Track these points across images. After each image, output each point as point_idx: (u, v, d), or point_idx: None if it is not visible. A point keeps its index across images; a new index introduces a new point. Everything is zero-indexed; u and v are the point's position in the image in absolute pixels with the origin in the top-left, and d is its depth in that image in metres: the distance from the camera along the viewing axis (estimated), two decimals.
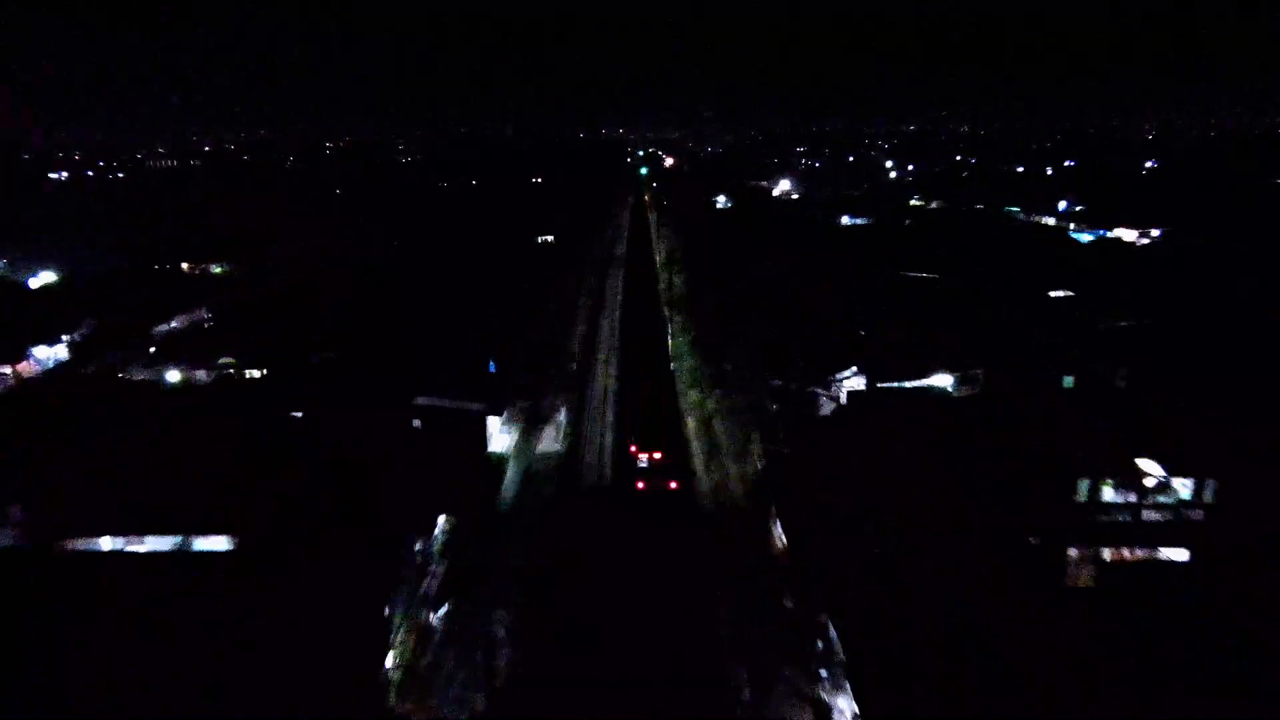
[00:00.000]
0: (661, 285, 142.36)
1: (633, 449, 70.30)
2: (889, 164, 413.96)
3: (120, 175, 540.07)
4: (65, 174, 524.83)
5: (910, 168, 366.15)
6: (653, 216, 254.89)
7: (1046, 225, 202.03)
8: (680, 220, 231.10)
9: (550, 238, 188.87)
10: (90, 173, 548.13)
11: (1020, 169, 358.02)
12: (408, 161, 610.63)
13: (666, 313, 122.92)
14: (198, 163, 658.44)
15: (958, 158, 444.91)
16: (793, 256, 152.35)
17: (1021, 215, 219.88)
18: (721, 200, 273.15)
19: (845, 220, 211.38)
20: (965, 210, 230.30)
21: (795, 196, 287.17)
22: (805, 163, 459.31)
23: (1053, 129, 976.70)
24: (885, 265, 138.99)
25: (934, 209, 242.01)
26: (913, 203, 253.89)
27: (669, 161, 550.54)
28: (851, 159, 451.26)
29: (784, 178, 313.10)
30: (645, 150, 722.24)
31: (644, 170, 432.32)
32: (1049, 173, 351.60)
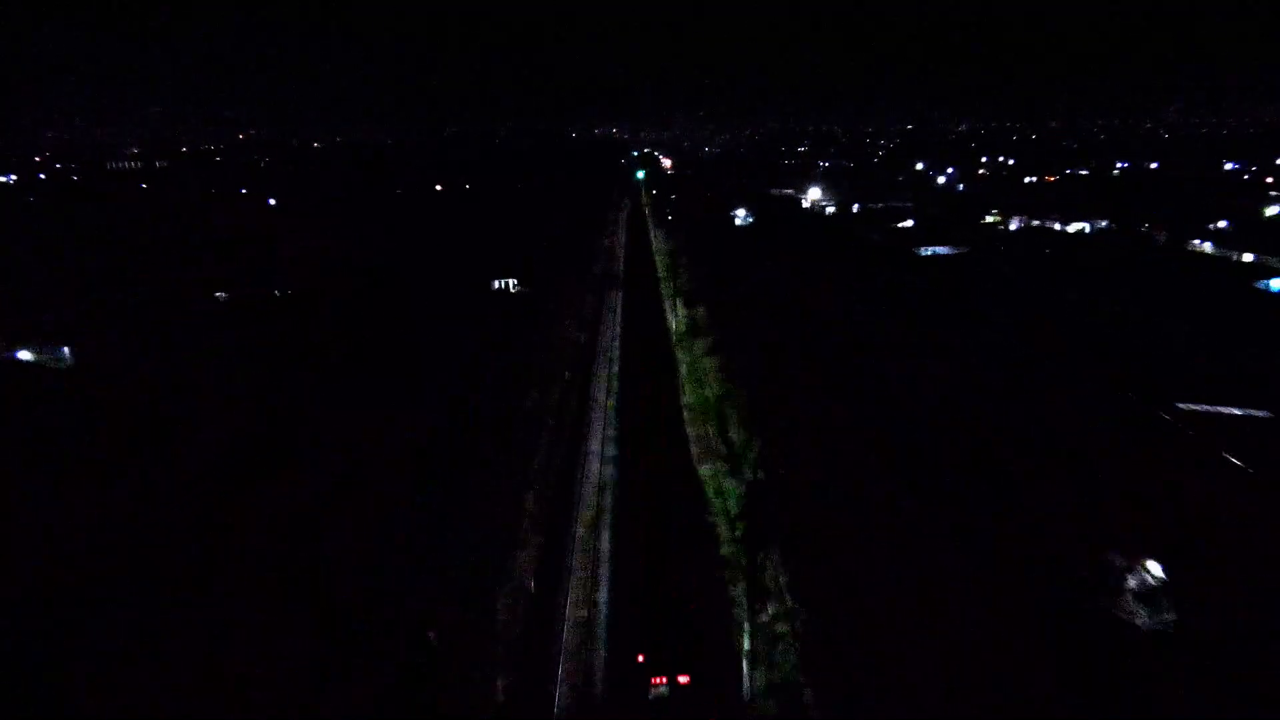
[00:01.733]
0: (688, 396, 78.20)
1: (640, 658, 37.47)
2: (920, 165, 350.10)
3: (76, 178, 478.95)
4: (14, 177, 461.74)
5: (950, 171, 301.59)
6: (657, 238, 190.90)
7: (1210, 255, 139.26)
8: (694, 243, 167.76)
9: (513, 283, 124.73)
10: (43, 175, 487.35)
11: (1084, 171, 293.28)
12: (369, 161, 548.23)
13: (708, 469, 59.69)
14: (164, 164, 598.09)
15: (1000, 158, 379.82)
16: (903, 334, 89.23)
17: (1159, 240, 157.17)
18: (741, 214, 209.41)
19: (926, 250, 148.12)
20: (1096, 236, 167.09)
21: (830, 209, 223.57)
22: (822, 164, 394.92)
23: (1049, 126, 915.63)
24: (1074, 358, 76.06)
25: (1024, 230, 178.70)
26: (988, 220, 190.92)
27: (667, 163, 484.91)
28: (876, 160, 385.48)
29: (812, 184, 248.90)
30: (640, 150, 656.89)
31: (641, 174, 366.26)
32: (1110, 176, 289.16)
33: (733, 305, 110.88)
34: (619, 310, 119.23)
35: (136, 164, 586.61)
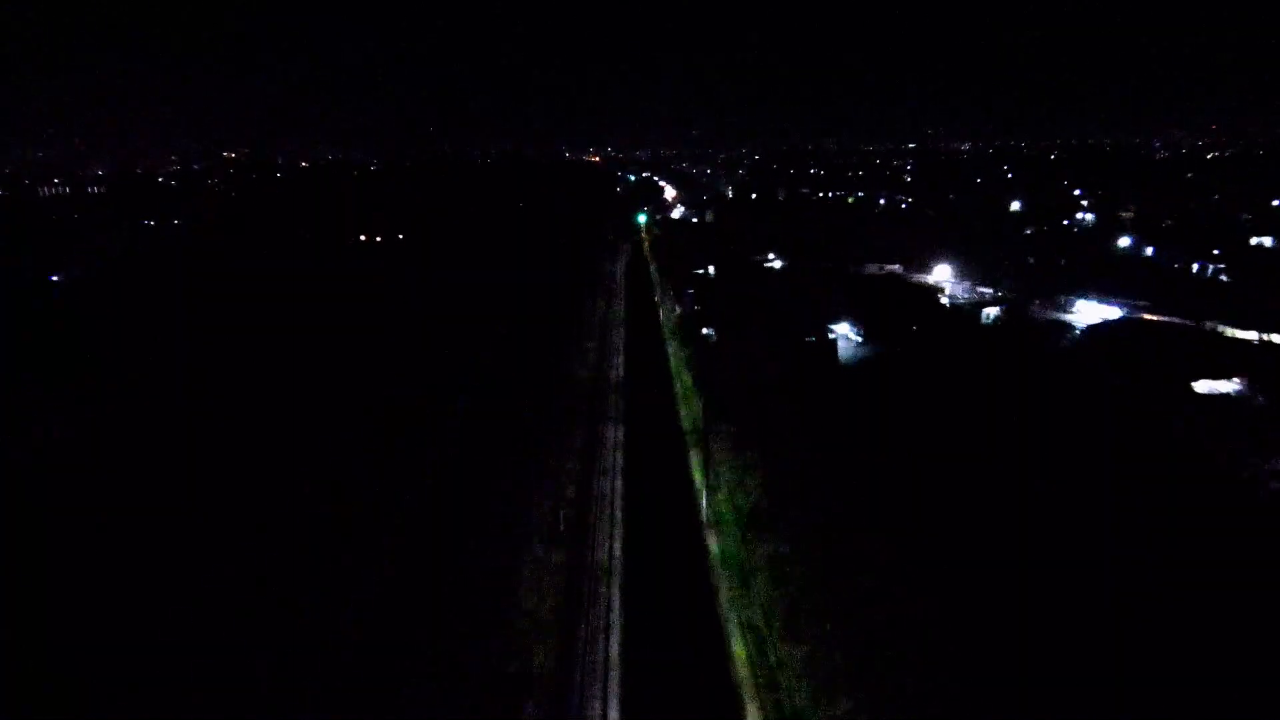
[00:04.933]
0: None
1: None
2: (1016, 205, 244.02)
3: None
4: None
5: (1119, 214, 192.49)
6: (691, 404, 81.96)
7: None
8: (782, 448, 61.48)
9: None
10: None
11: None
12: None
13: None
14: (99, 190, 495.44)
15: (1092, 190, 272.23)
16: None
17: None
18: (846, 333, 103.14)
19: None
20: None
21: (990, 310, 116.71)
22: (872, 199, 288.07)
23: (1070, 145, 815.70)
24: None
25: None
26: None
27: (670, 194, 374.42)
28: (951, 197, 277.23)
29: (937, 261, 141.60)
30: (636, 175, 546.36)
31: (642, 217, 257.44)
32: None
33: None
34: None
35: (65, 189, 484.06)
